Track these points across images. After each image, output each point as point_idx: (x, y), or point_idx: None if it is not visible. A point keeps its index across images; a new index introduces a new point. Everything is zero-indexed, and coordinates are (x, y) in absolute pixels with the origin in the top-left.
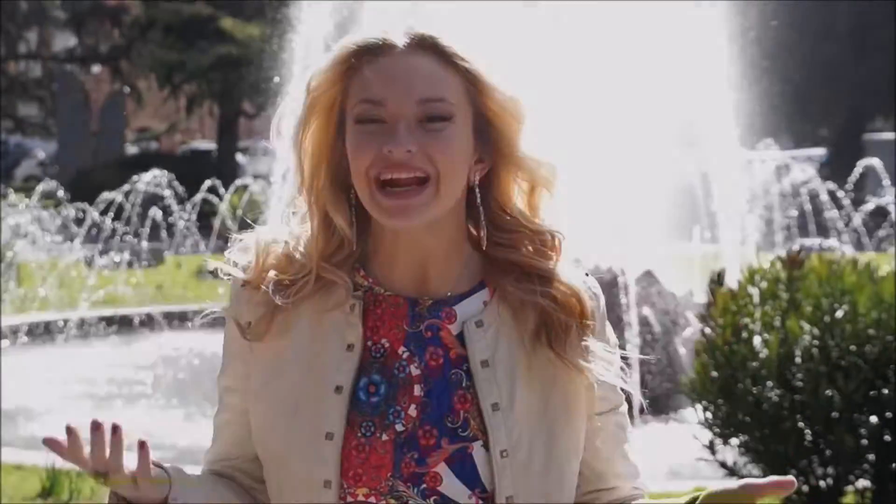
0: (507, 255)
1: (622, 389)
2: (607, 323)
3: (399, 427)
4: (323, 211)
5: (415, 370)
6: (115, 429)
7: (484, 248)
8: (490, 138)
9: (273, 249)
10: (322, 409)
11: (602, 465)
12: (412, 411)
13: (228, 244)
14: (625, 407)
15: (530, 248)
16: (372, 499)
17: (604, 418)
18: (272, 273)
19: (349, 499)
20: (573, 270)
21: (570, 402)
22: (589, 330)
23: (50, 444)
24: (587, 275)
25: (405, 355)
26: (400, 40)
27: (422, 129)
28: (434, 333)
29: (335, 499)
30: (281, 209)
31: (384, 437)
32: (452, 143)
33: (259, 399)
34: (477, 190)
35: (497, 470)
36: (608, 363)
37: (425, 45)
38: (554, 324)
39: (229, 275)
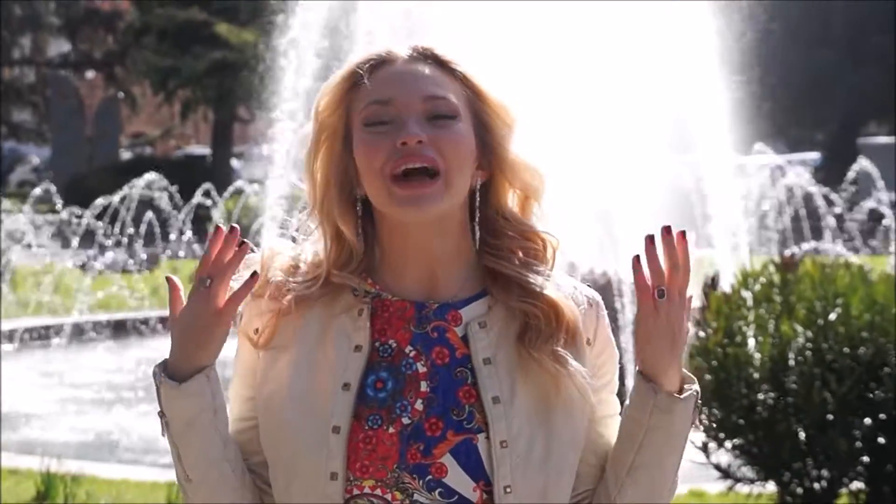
0: (498, 266)
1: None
2: (602, 331)
3: (405, 420)
4: (333, 224)
5: (421, 367)
6: (242, 244)
7: (477, 253)
8: (488, 145)
9: (278, 259)
10: (330, 405)
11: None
12: (418, 405)
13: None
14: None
15: (521, 254)
16: (378, 490)
17: (608, 421)
18: (278, 278)
19: (356, 491)
20: (561, 280)
21: (570, 400)
22: (561, 341)
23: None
24: (588, 285)
25: (412, 354)
26: (401, 52)
27: (430, 125)
28: (440, 335)
29: (341, 491)
30: (282, 226)
31: (391, 430)
32: (460, 138)
33: (268, 400)
34: (477, 195)
35: (496, 459)
36: (581, 375)
37: (425, 55)
38: (533, 331)
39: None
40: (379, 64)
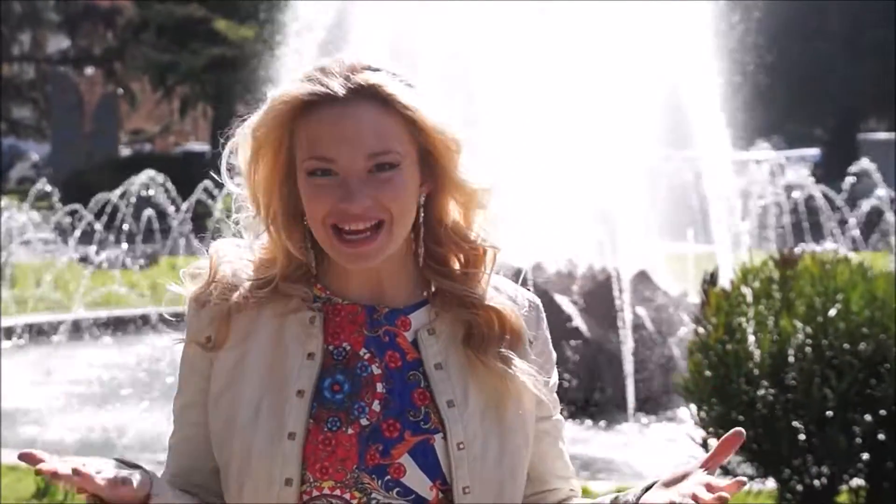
0: (437, 282)
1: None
2: (542, 332)
3: (364, 421)
4: (278, 238)
5: (376, 369)
6: (77, 472)
7: (420, 265)
8: (431, 167)
9: (226, 261)
10: (284, 411)
11: (544, 466)
12: (376, 406)
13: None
14: (559, 414)
15: (462, 259)
16: (337, 491)
17: (545, 423)
18: (227, 280)
19: (315, 493)
20: (501, 284)
21: (520, 399)
22: (506, 343)
23: (27, 459)
24: (529, 290)
25: (366, 356)
26: (340, 89)
27: (372, 179)
28: (391, 339)
29: (296, 496)
30: (233, 227)
31: (350, 431)
32: (402, 188)
33: (219, 403)
34: (421, 210)
35: (454, 461)
36: (528, 374)
37: (366, 94)
38: (476, 337)
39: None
40: (316, 102)
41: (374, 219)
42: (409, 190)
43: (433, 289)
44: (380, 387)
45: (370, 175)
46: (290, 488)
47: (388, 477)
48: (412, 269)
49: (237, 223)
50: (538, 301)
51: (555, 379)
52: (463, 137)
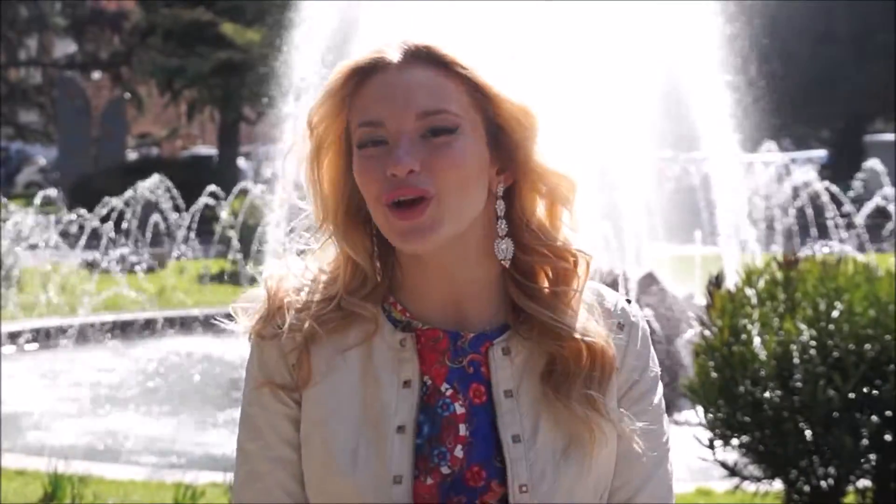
0: (523, 305)
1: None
2: (629, 357)
3: (445, 469)
4: (341, 245)
5: (459, 408)
6: None
7: (503, 278)
8: (505, 149)
9: (285, 285)
10: (386, 451)
11: None
12: (458, 452)
13: (230, 248)
14: (667, 458)
15: (551, 275)
16: None
17: (648, 472)
18: (293, 306)
19: None
20: (598, 299)
21: (602, 446)
22: (594, 381)
23: None
24: (628, 301)
25: (448, 392)
26: (394, 55)
27: (426, 144)
28: (476, 369)
29: None
30: (294, 242)
31: (429, 481)
32: (459, 157)
33: (312, 444)
34: (501, 202)
35: None
36: (614, 420)
37: (421, 57)
38: (560, 373)
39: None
40: (371, 69)
41: (422, 192)
42: (470, 161)
43: (516, 314)
44: (462, 429)
45: (423, 139)
46: None
47: None
48: (497, 285)
49: (299, 239)
50: (632, 318)
51: (651, 406)
52: (541, 113)
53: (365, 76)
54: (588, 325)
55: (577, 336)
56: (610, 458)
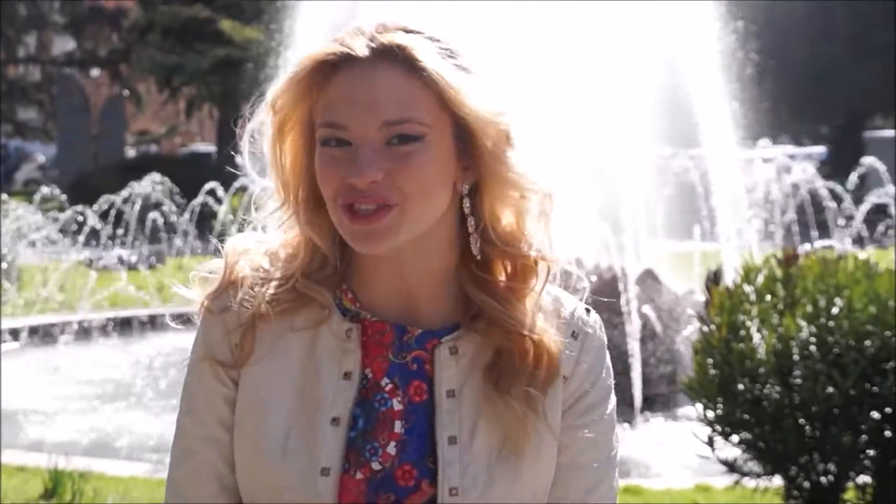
0: (473, 291)
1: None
2: (580, 367)
3: (375, 465)
4: (303, 228)
5: (397, 404)
6: None
7: (459, 272)
8: (470, 153)
9: (244, 259)
10: (317, 441)
11: None
12: (391, 449)
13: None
14: (612, 470)
15: (509, 270)
16: None
17: (591, 483)
18: (247, 281)
19: None
20: (551, 304)
21: (540, 447)
22: (537, 380)
23: None
24: (588, 311)
25: (388, 387)
26: (363, 51)
27: (391, 151)
28: (419, 366)
29: None
30: (256, 217)
31: (358, 475)
32: (424, 167)
33: (244, 427)
34: (467, 200)
35: None
36: (552, 424)
37: (390, 56)
38: (505, 367)
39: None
40: (337, 64)
41: (382, 200)
42: (434, 170)
43: (466, 308)
44: (398, 426)
45: (388, 147)
46: None
47: None
48: (452, 281)
49: (250, 223)
50: (589, 328)
51: (598, 426)
52: (511, 124)
53: (331, 70)
54: (539, 324)
55: (525, 332)
56: (549, 465)
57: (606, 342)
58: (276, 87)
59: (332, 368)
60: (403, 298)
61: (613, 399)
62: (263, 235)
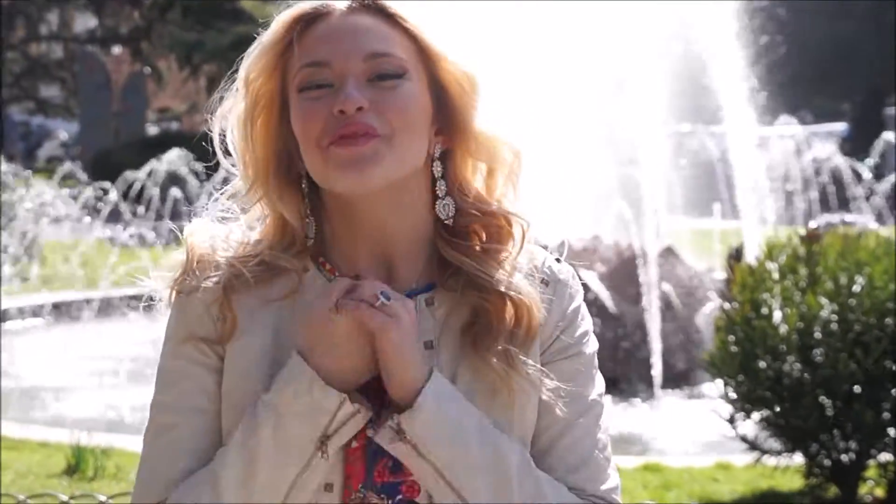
0: (449, 253)
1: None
2: (551, 320)
3: (370, 432)
4: (274, 205)
5: None
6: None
7: (435, 235)
8: (445, 108)
9: (207, 241)
10: None
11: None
12: (384, 413)
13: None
14: (591, 414)
15: (483, 235)
16: None
17: (552, 429)
18: (212, 259)
19: None
20: (529, 261)
21: (520, 404)
22: (517, 339)
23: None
24: (558, 260)
25: None
26: (340, 4)
27: (374, 87)
28: None
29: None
30: (219, 203)
31: (354, 444)
32: (407, 100)
33: (233, 398)
34: (438, 164)
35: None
36: (533, 380)
37: (368, 6)
38: (480, 325)
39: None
40: (314, 18)
41: (370, 129)
42: (416, 106)
43: (443, 268)
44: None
45: (370, 83)
46: (330, 494)
47: (401, 496)
48: (428, 245)
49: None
50: (563, 276)
51: (578, 375)
52: (480, 77)
53: (307, 25)
54: (517, 282)
55: (503, 290)
56: (532, 416)
57: (582, 291)
58: (248, 60)
59: None
60: (381, 262)
61: (592, 345)
62: (223, 225)
